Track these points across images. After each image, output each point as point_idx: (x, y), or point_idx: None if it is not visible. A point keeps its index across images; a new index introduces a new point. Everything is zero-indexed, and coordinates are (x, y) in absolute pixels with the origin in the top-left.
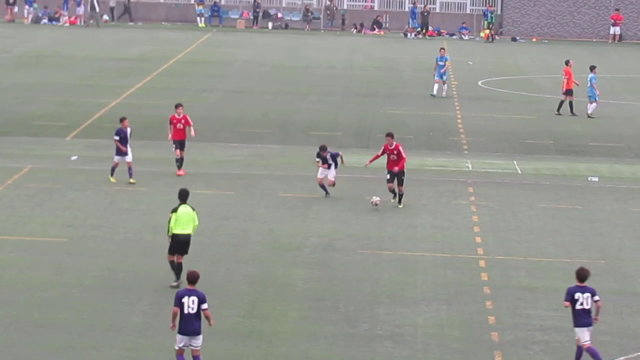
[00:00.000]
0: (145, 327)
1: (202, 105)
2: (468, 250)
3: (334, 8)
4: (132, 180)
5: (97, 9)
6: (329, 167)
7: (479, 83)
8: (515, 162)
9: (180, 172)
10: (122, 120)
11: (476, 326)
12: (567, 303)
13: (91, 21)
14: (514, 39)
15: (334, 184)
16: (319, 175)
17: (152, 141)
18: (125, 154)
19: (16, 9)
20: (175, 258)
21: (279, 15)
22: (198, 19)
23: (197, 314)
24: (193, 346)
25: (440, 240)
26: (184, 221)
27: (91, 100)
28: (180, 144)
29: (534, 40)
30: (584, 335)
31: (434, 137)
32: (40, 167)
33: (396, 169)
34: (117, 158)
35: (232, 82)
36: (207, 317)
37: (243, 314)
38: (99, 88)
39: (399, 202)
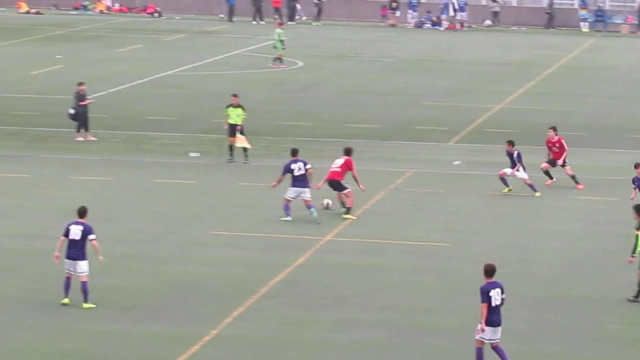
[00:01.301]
0: (526, 333)
1: (585, 111)
2: None
3: None
4: (538, 194)
5: (453, 13)
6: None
7: None
8: None
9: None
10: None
11: None
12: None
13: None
14: None
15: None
16: None
17: (534, 147)
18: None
19: (398, 13)
20: None
21: None
22: (581, 24)
23: (499, 307)
24: (493, 339)
25: None
26: None
27: (473, 105)
28: (552, 163)
29: None
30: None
31: None
32: (423, 172)
33: None
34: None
35: (615, 87)
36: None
37: (627, 321)
38: (481, 93)
39: None
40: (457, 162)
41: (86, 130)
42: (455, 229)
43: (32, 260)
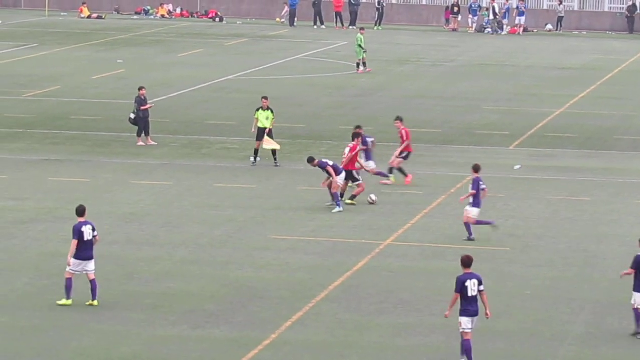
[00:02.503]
0: (588, 337)
1: None
2: None
3: None
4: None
5: (495, 17)
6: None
7: None
8: None
9: None
10: None
11: None
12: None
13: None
14: None
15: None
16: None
17: (595, 151)
18: None
19: (460, 18)
20: None
21: None
22: None
23: (477, 296)
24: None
25: None
26: None
27: (534, 110)
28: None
29: None
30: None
31: None
32: (483, 176)
33: None
34: None
35: None
36: (485, 302)
37: None
38: (542, 97)
39: None
40: (517, 167)
41: (147, 134)
42: (515, 233)
43: None
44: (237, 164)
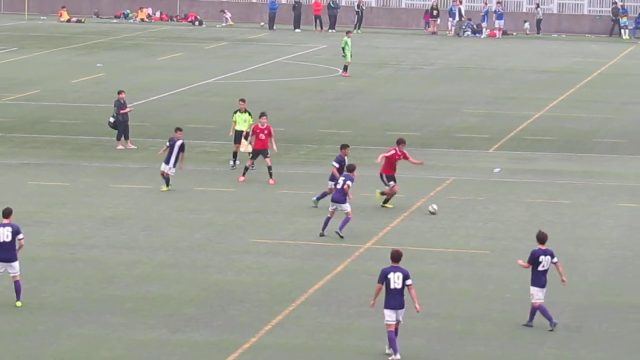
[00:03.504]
0: (568, 340)
1: (625, 118)
2: None
3: None
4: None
5: (460, 19)
6: None
7: None
8: None
9: (271, 182)
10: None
11: None
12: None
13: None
14: None
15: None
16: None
17: (575, 154)
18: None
19: (439, 21)
20: None
21: None
22: (622, 31)
23: (402, 290)
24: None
25: None
26: None
27: (514, 113)
28: (256, 153)
29: None
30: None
31: None
32: (463, 179)
33: None
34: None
35: None
36: (413, 297)
37: None
38: (522, 100)
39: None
40: (497, 170)
41: (126, 138)
42: (494, 236)
43: (73, 269)
44: (216, 167)
